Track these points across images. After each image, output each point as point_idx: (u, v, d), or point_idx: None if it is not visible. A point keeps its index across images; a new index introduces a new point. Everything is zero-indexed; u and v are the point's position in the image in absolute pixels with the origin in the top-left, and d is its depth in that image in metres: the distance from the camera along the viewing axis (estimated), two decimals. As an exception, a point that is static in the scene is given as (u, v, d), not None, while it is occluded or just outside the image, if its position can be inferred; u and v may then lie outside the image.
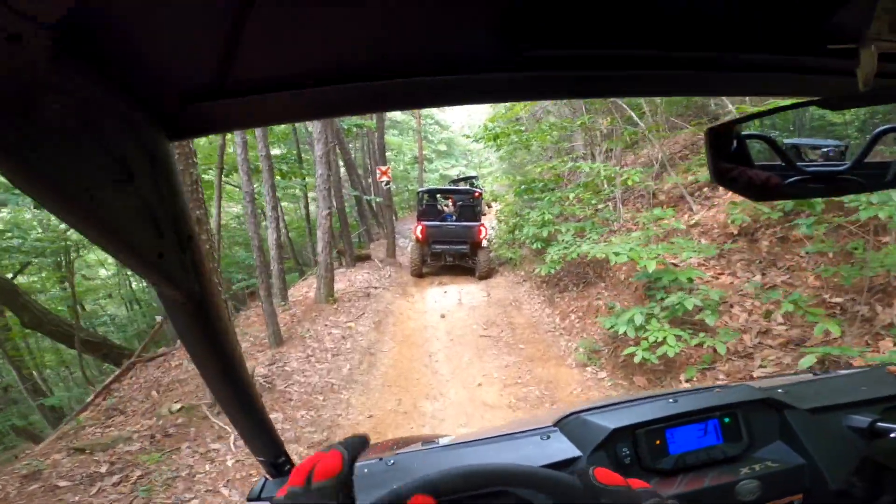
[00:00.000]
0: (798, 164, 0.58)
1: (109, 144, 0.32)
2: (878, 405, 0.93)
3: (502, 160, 17.57)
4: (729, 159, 0.55)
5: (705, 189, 6.84)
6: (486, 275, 10.87)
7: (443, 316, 7.77)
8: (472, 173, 24.05)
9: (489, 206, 17.85)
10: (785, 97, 0.60)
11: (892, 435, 0.83)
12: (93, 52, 0.30)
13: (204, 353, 0.57)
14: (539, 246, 6.91)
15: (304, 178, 13.07)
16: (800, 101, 0.51)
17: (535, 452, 0.88)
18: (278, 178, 10.24)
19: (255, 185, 7.50)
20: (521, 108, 10.26)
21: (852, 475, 0.84)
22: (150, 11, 0.30)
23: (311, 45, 0.36)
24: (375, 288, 9.52)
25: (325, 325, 7.24)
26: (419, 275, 11.11)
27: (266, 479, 0.86)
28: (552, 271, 6.68)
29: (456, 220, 11.65)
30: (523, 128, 9.28)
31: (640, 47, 0.40)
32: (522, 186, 10.44)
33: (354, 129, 17.72)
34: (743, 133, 0.56)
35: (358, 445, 0.52)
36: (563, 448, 0.89)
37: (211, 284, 0.50)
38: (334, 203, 10.97)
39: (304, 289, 9.99)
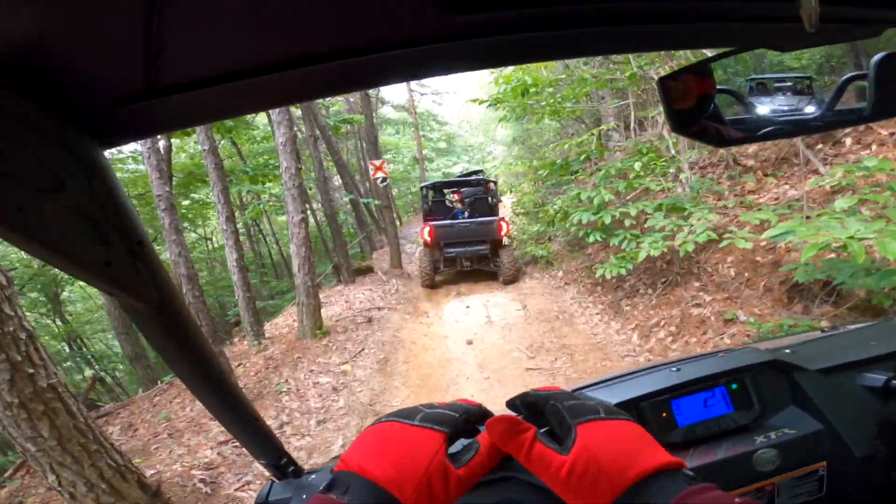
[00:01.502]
0: (767, 113, 0.58)
1: (34, 157, 0.31)
2: (892, 361, 0.87)
3: (515, 142, 15.52)
4: (686, 116, 0.53)
5: (820, 146, 4.80)
6: (513, 278, 8.90)
7: (470, 342, 5.78)
8: (477, 168, 22.02)
9: (499, 200, 15.90)
10: (736, 47, 0.51)
11: None
12: (4, 70, 0.30)
13: (178, 358, 0.55)
14: (598, 237, 4.92)
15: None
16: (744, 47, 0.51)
17: None
18: (247, 182, 8.33)
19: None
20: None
21: (875, 439, 0.78)
22: (60, 24, 0.29)
23: (234, 36, 0.34)
24: (379, 308, 7.55)
25: (311, 372, 5.29)
26: (432, 285, 9.16)
27: (273, 481, 0.82)
28: (623, 271, 4.68)
29: (469, 217, 9.71)
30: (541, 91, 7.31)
31: (580, 2, 0.38)
32: (541, 172, 8.49)
33: (343, 128, 15.91)
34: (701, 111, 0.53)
35: (476, 415, 0.51)
36: None
37: (170, 289, 0.46)
38: (324, 205, 9.10)
39: (291, 318, 8.05)
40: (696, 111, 0.53)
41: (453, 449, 0.49)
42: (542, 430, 0.48)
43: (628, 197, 6.30)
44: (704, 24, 0.45)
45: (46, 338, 12.15)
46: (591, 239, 4.91)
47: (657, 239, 4.27)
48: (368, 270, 10.43)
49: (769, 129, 0.55)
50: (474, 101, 6.47)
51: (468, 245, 9.06)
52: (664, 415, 0.82)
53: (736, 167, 5.62)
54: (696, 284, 4.78)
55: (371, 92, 22.10)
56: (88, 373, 6.72)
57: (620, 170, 4.96)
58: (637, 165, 4.79)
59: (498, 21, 0.37)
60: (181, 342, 0.52)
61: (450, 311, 7.27)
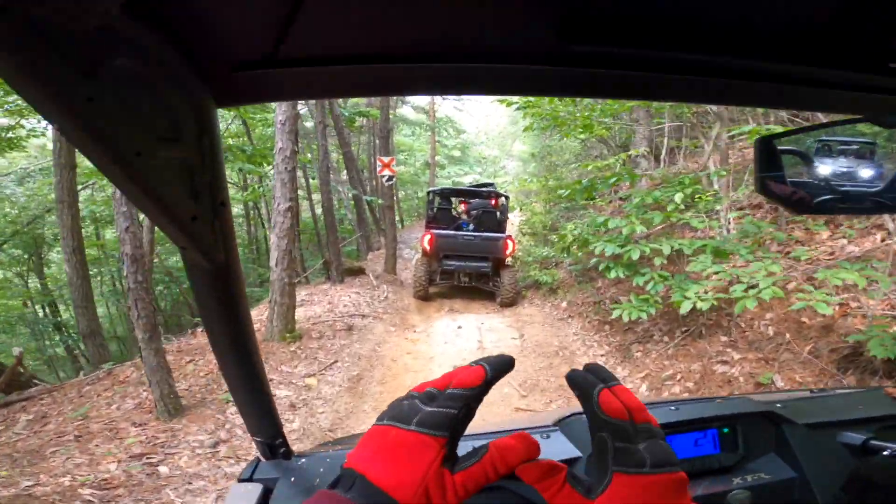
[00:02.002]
0: (832, 183, 0.60)
1: (162, 105, 0.33)
2: (874, 424, 0.93)
3: (534, 157, 14.85)
4: (775, 178, 0.57)
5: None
6: (512, 301, 8.27)
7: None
8: (489, 181, 21.34)
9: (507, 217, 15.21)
10: (839, 113, 0.53)
11: (885, 453, 0.83)
12: (156, 12, 0.31)
13: (219, 321, 0.56)
14: (621, 273, 4.24)
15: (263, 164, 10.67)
16: (852, 116, 0.55)
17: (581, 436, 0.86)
18: (242, 161, 7.72)
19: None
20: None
21: (840, 490, 0.84)
22: None
23: (361, 21, 0.36)
24: (364, 316, 6.89)
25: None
26: (425, 297, 8.52)
27: (259, 459, 0.80)
28: (645, 316, 4.02)
29: (475, 231, 9.08)
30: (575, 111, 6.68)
31: (691, 51, 0.39)
32: (560, 192, 7.85)
33: (358, 121, 15.35)
34: (780, 147, 0.56)
35: (503, 366, 0.49)
36: (562, 448, 0.86)
37: (235, 253, 0.48)
38: (323, 197, 8.45)
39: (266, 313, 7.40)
40: (783, 176, 0.57)
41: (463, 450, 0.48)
42: (570, 472, 0.47)
43: (652, 231, 5.67)
44: (816, 89, 0.45)
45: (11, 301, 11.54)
46: (612, 274, 4.25)
47: (704, 289, 3.59)
48: (360, 272, 9.78)
49: (848, 204, 0.61)
50: (502, 101, 5.85)
51: (469, 260, 8.43)
52: None
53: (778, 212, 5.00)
54: (724, 339, 4.12)
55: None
56: (16, 350, 6.00)
57: (658, 199, 4.33)
58: (678, 197, 4.16)
59: (609, 55, 0.40)
60: (229, 306, 0.53)
61: (440, 329, 6.61)
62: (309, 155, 11.90)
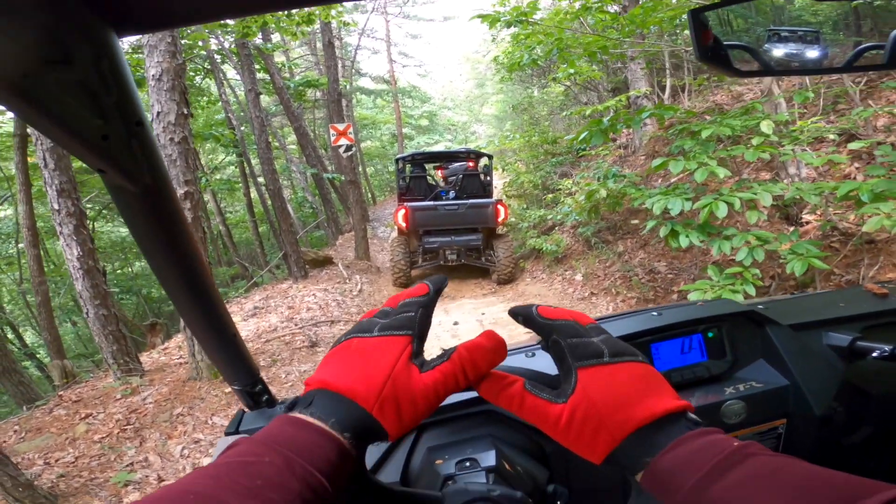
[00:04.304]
0: (782, 55, 0.65)
1: (44, 28, 0.31)
2: (858, 322, 0.91)
3: (515, 110, 13.25)
4: (713, 46, 0.58)
5: None
6: (510, 277, 6.95)
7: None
8: (463, 147, 19.63)
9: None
10: None
11: (874, 355, 0.79)
12: None
13: (159, 249, 0.51)
14: (696, 239, 2.77)
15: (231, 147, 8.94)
16: None
17: (542, 364, 0.81)
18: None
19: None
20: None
21: (833, 400, 0.82)
22: None
23: None
24: (332, 321, 5.42)
25: (194, 444, 3.19)
26: (406, 284, 7.09)
27: (243, 411, 0.78)
28: (740, 297, 2.63)
29: (457, 198, 7.63)
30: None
31: None
32: (563, 139, 6.34)
33: (309, 94, 13.51)
34: (726, 43, 0.59)
35: (441, 282, 0.52)
36: (547, 364, 0.80)
37: (162, 175, 0.44)
38: (267, 178, 6.67)
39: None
40: (720, 43, 0.58)
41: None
42: (529, 381, 0.46)
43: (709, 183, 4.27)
44: None
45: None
46: (684, 242, 2.82)
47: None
48: (327, 262, 8.26)
49: (784, 66, 0.68)
50: (481, 17, 4.28)
51: (455, 233, 7.01)
52: None
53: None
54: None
55: (347, 60, 19.64)
56: None
57: (735, 130, 2.89)
58: (765, 126, 2.73)
59: None
60: (164, 230, 0.50)
61: (431, 329, 5.17)
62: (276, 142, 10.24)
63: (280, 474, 0.33)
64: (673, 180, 4.63)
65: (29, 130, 5.70)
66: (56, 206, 3.79)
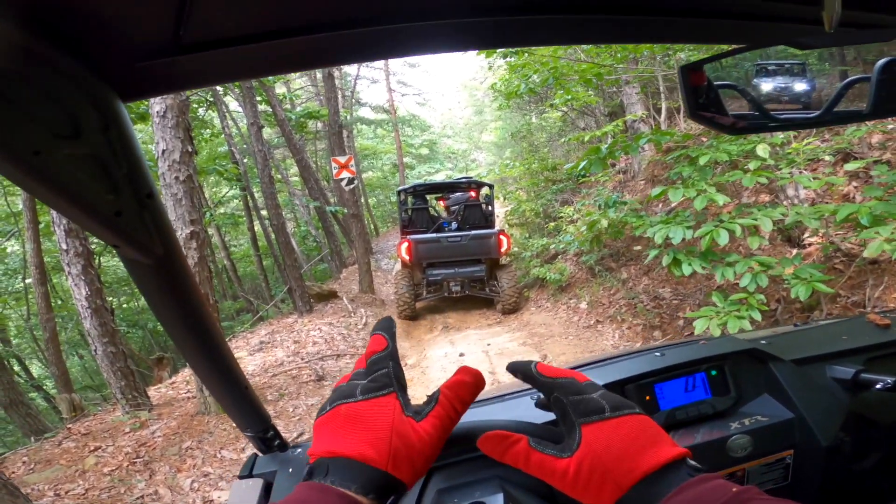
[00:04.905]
0: (771, 112, 0.66)
1: (53, 102, 0.32)
2: (861, 355, 0.91)
3: (514, 138, 13.42)
4: (704, 103, 0.60)
5: None
6: (514, 307, 6.94)
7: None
8: (464, 176, 19.74)
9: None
10: (755, 44, 0.60)
11: (878, 387, 0.80)
12: (33, 9, 0.30)
13: (174, 317, 0.53)
14: (698, 266, 2.70)
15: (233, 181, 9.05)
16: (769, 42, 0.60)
17: (526, 413, 0.81)
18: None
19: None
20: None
21: (840, 430, 0.82)
22: None
23: None
24: (339, 355, 5.40)
25: (203, 477, 3.16)
26: (411, 316, 7.09)
27: (256, 455, 0.80)
28: (746, 324, 2.62)
29: (459, 229, 7.68)
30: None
31: None
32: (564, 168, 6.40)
33: (311, 126, 13.76)
34: (716, 83, 0.61)
35: (389, 326, 0.54)
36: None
37: (174, 245, 0.46)
38: (271, 213, 6.77)
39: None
40: (711, 100, 0.60)
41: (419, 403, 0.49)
42: (532, 437, 0.48)
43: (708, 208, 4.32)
44: (725, 20, 0.49)
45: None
46: (687, 270, 2.84)
47: None
48: (332, 296, 8.27)
49: (774, 122, 0.67)
50: (489, 54, 4.42)
51: (458, 265, 7.05)
52: (647, 398, 0.85)
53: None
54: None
55: (346, 90, 20.09)
56: None
57: (731, 156, 2.94)
58: (761, 150, 2.79)
59: (510, 1, 0.40)
60: (178, 300, 0.51)
61: (437, 360, 5.16)
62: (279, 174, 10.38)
63: None
64: (673, 205, 4.69)
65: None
66: (64, 246, 3.86)
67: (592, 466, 0.42)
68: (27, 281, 9.37)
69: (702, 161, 3.03)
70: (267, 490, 0.73)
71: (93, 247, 4.50)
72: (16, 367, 9.90)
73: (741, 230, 2.71)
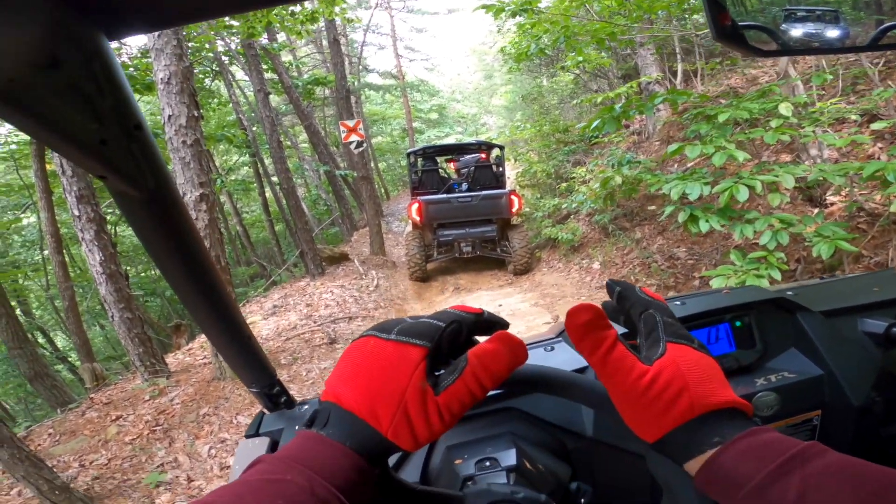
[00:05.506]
0: (800, 35, 0.63)
1: (27, 32, 0.31)
2: (894, 308, 0.85)
3: (525, 101, 13.11)
4: (731, 36, 0.55)
5: None
6: (526, 267, 6.92)
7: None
8: (474, 139, 19.46)
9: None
10: None
11: None
12: None
13: (168, 255, 0.50)
14: (716, 223, 2.63)
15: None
16: None
17: (556, 362, 0.80)
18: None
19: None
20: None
21: (872, 389, 0.77)
22: None
23: None
24: (350, 318, 5.46)
25: (219, 444, 3.25)
26: (422, 278, 7.13)
27: (263, 413, 0.78)
28: (765, 282, 2.56)
29: (470, 190, 7.61)
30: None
31: None
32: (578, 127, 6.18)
33: (318, 92, 13.51)
34: (742, 24, 0.57)
35: (497, 319, 0.47)
36: (569, 357, 0.81)
37: (165, 178, 0.44)
38: (280, 177, 6.73)
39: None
40: (737, 23, 0.55)
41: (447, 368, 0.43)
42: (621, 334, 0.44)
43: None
44: None
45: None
46: (704, 226, 2.75)
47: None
48: (343, 258, 8.31)
49: (804, 46, 0.66)
50: (485, 7, 4.23)
51: (469, 225, 7.00)
52: None
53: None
54: None
55: (353, 57, 19.62)
56: None
57: (752, 113, 2.81)
58: (784, 108, 2.65)
59: None
60: (172, 235, 0.49)
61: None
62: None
63: (300, 493, 0.33)
64: (689, 165, 4.55)
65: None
66: (76, 213, 3.88)
67: (672, 378, 0.40)
68: (45, 252, 9.55)
69: (721, 118, 2.89)
70: (273, 449, 0.71)
71: (107, 217, 4.54)
72: (41, 340, 10.22)
73: (762, 187, 2.61)
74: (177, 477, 2.96)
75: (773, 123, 2.80)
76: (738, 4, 0.65)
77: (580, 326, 0.42)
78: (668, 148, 3.11)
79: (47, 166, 6.41)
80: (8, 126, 8.81)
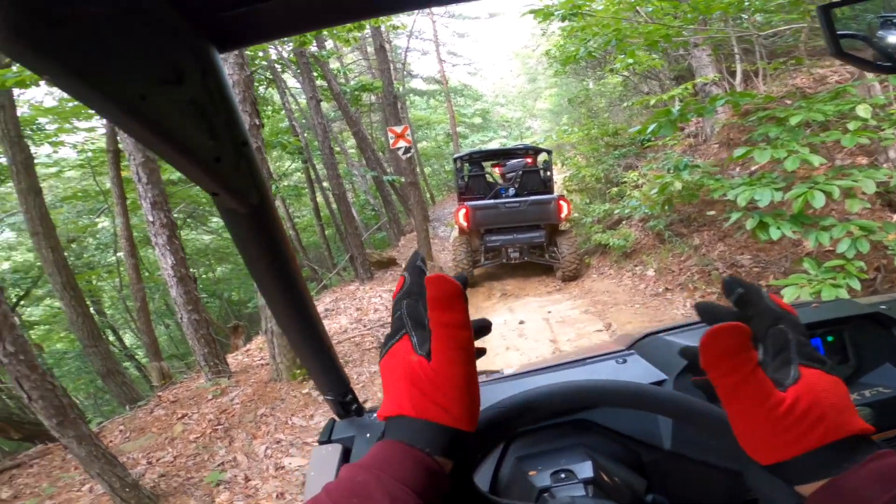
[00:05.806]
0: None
1: (157, 50, 0.32)
2: None
3: (572, 104, 12.92)
4: (848, 56, 0.57)
5: None
6: (575, 273, 6.77)
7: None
8: (518, 144, 19.26)
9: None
10: None
11: None
12: None
13: (267, 269, 0.53)
14: (788, 230, 2.49)
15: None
16: None
17: (614, 377, 0.76)
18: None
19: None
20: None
21: None
22: None
23: None
24: (399, 321, 5.53)
25: (276, 444, 3.36)
26: (469, 284, 7.09)
27: (335, 420, 0.80)
28: (842, 293, 2.41)
29: (517, 196, 7.55)
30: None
31: None
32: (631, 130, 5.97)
33: (364, 98, 13.84)
34: (839, 33, 0.57)
35: (413, 260, 0.49)
36: (644, 371, 0.79)
37: (267, 194, 0.45)
38: (332, 183, 6.93)
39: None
40: (858, 37, 0.55)
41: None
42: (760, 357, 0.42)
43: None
44: None
45: None
46: (775, 234, 2.62)
47: None
48: (391, 263, 8.46)
49: None
50: (533, 12, 4.21)
51: (517, 231, 6.94)
52: None
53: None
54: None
55: (398, 63, 19.97)
56: None
57: (827, 115, 2.65)
58: (862, 110, 2.50)
59: None
60: (271, 250, 0.51)
61: (495, 327, 5.11)
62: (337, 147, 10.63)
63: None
64: (753, 169, 4.33)
65: (121, 145, 6.18)
66: (150, 218, 4.14)
67: (810, 405, 0.39)
68: (119, 254, 10.21)
69: (793, 121, 2.74)
70: (346, 455, 0.73)
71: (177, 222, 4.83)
72: (111, 338, 10.95)
73: (839, 192, 2.46)
74: (235, 476, 3.09)
75: (851, 126, 2.63)
76: (860, 23, 0.65)
77: (723, 350, 0.40)
78: (735, 152, 2.98)
79: (122, 173, 6.83)
80: (83, 134, 9.46)
